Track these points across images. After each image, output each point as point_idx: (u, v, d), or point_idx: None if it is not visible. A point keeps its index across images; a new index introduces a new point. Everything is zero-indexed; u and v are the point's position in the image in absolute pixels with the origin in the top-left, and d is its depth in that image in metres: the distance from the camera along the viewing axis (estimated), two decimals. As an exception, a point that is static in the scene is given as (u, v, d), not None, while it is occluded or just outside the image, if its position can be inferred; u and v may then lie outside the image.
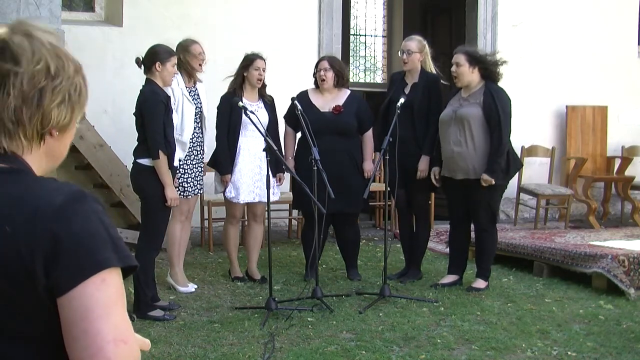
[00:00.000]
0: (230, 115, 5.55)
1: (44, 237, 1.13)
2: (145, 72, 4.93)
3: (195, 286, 5.55)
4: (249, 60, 5.65)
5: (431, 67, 5.87)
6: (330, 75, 5.79)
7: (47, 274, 1.12)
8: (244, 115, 5.11)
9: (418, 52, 5.78)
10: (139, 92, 4.92)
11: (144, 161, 4.82)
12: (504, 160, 5.37)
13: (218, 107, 5.68)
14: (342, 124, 5.76)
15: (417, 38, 5.90)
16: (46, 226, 1.13)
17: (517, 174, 7.90)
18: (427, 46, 5.87)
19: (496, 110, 5.34)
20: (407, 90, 5.79)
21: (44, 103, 1.22)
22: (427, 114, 5.72)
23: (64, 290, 1.12)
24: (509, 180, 5.65)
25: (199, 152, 5.50)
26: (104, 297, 1.12)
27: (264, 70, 5.65)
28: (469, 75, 5.46)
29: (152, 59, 4.88)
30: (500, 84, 5.61)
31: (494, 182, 5.34)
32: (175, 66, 5.00)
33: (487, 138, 5.39)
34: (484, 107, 5.38)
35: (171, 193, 4.80)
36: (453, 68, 5.49)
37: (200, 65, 5.48)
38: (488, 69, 5.49)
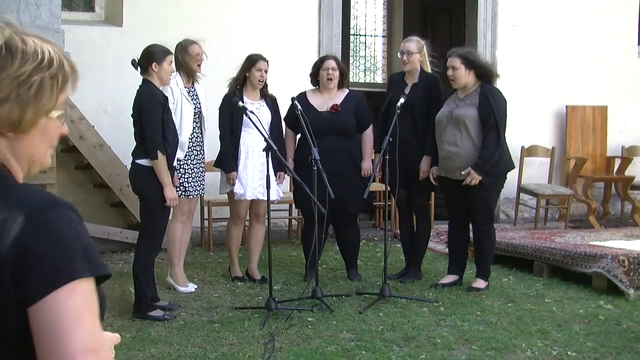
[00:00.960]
0: (232, 115, 5.55)
1: (13, 246, 1.11)
2: (142, 73, 4.92)
3: (195, 286, 5.55)
4: (252, 61, 5.66)
5: (428, 67, 5.87)
6: (337, 74, 5.81)
7: (16, 283, 1.11)
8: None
9: (417, 52, 5.78)
10: (136, 93, 4.91)
11: (143, 161, 4.82)
12: (494, 160, 5.37)
13: (220, 107, 5.68)
14: (340, 123, 5.76)
15: (415, 39, 5.91)
16: (15, 235, 1.12)
17: (518, 174, 7.95)
18: (425, 46, 5.87)
19: (492, 112, 5.35)
20: (407, 91, 5.80)
21: None
22: (428, 114, 5.72)
23: (33, 300, 1.10)
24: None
25: (199, 152, 5.50)
26: (73, 307, 1.11)
27: (265, 72, 5.66)
28: (466, 77, 5.47)
29: (148, 59, 4.88)
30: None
31: (478, 179, 5.32)
32: (172, 64, 4.99)
33: (481, 140, 5.40)
34: (480, 108, 5.39)
35: (170, 193, 4.80)
36: (449, 72, 5.50)
37: (198, 66, 5.48)
38: (483, 70, 5.49)
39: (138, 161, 4.86)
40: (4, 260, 1.11)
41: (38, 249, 1.12)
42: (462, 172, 5.38)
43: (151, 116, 4.75)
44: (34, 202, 1.17)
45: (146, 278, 4.85)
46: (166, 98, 4.94)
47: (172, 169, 4.93)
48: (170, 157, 4.84)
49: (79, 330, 1.11)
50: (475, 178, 5.34)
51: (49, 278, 1.11)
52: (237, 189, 5.63)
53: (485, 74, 5.50)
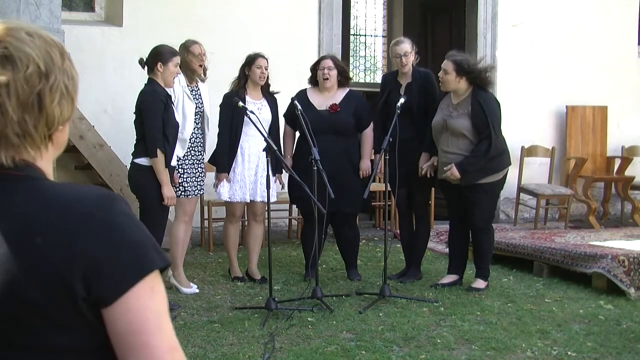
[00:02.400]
0: (232, 114, 5.55)
1: (80, 247, 1.08)
2: (148, 72, 4.95)
3: (197, 287, 5.54)
4: (251, 59, 5.67)
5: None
6: (334, 73, 5.80)
7: (86, 285, 1.08)
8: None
9: (412, 52, 5.79)
10: (139, 92, 4.92)
11: (141, 160, 4.83)
12: (478, 167, 5.36)
13: (220, 106, 5.69)
14: (338, 122, 5.75)
15: (405, 39, 5.91)
16: (81, 235, 1.08)
17: (518, 174, 7.95)
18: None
19: (485, 120, 5.35)
20: (402, 91, 5.79)
21: (45, 105, 1.14)
22: (426, 112, 5.72)
23: (110, 301, 1.08)
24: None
25: (199, 152, 5.50)
26: (156, 306, 1.10)
27: (266, 69, 5.66)
28: (454, 84, 5.47)
29: (154, 59, 4.90)
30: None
31: (457, 177, 5.33)
32: (178, 67, 5.00)
33: None
34: (473, 117, 5.39)
35: (168, 192, 4.80)
36: (440, 73, 5.51)
37: (200, 66, 5.48)
38: (477, 77, 5.48)
39: (136, 160, 4.87)
40: (70, 262, 1.07)
41: (108, 248, 1.09)
42: (444, 168, 5.39)
43: (152, 114, 4.77)
44: (90, 196, 1.13)
45: None
46: (169, 97, 4.95)
47: (171, 168, 4.93)
48: (169, 156, 4.84)
49: (163, 329, 1.11)
50: (455, 174, 5.34)
51: (124, 276, 1.09)
52: (223, 192, 5.63)
53: (479, 80, 5.49)
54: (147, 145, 4.77)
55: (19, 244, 1.09)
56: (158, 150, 4.74)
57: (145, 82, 5.00)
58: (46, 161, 1.19)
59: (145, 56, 5.02)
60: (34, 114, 1.13)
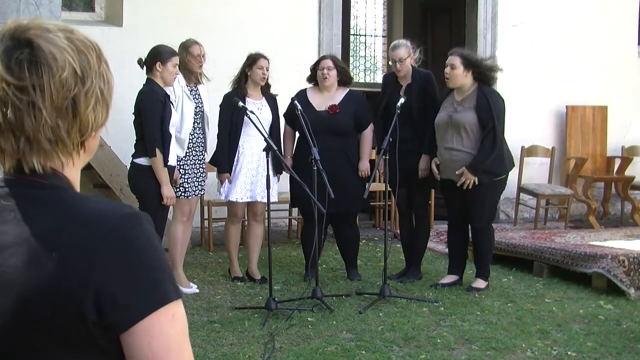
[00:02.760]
0: (232, 114, 5.55)
1: (96, 269, 1.04)
2: (147, 72, 4.95)
3: (197, 287, 5.54)
4: (253, 59, 5.67)
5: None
6: (333, 73, 5.79)
7: (98, 309, 1.04)
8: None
9: (408, 56, 5.78)
10: (138, 92, 4.93)
11: (141, 160, 4.84)
12: (488, 162, 5.36)
13: (220, 105, 5.68)
14: (337, 123, 5.75)
15: (402, 43, 5.87)
16: (98, 256, 1.04)
17: (518, 174, 7.95)
18: (411, 46, 5.86)
19: (490, 114, 5.34)
20: (402, 92, 5.79)
21: (80, 111, 1.10)
22: (425, 113, 5.71)
23: (123, 328, 1.05)
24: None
25: (200, 153, 5.50)
26: (177, 334, 1.07)
27: (267, 70, 5.66)
28: (462, 78, 5.45)
29: (153, 59, 4.91)
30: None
31: (473, 179, 5.31)
32: (177, 67, 5.00)
33: None
34: (478, 111, 5.38)
35: (167, 191, 4.80)
36: (447, 69, 5.49)
37: (200, 66, 5.48)
38: (482, 72, 5.48)
39: (136, 160, 4.87)
40: (84, 282, 1.03)
41: (123, 274, 1.04)
42: (457, 172, 5.37)
43: (150, 114, 4.78)
44: (112, 216, 1.07)
45: None
46: (167, 96, 4.95)
47: (171, 167, 4.93)
48: (167, 155, 4.84)
49: (183, 356, 1.08)
50: (469, 178, 5.33)
51: (137, 305, 1.05)
52: (224, 190, 5.63)
53: (484, 76, 5.49)
54: (146, 145, 4.78)
55: (35, 256, 1.05)
56: (157, 149, 4.74)
57: (144, 82, 5.00)
58: (75, 169, 1.15)
59: (144, 56, 5.02)
60: (67, 120, 1.09)
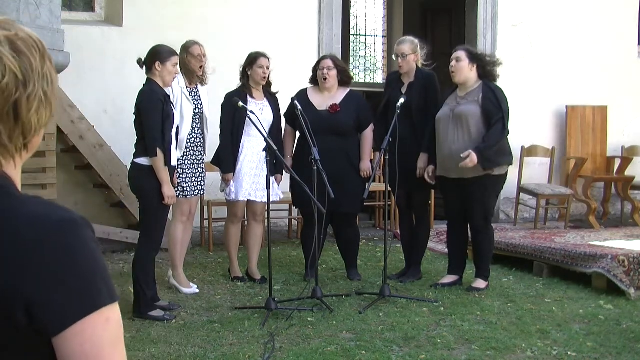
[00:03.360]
0: (234, 114, 5.54)
1: (27, 274, 1.02)
2: (147, 72, 4.95)
3: (197, 287, 5.54)
4: (253, 59, 5.67)
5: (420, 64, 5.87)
6: (333, 74, 5.79)
7: (28, 313, 1.03)
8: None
9: (412, 53, 5.78)
10: (138, 92, 4.93)
11: (141, 160, 4.84)
12: (496, 148, 5.35)
13: (222, 105, 5.69)
14: (338, 123, 5.75)
15: (408, 39, 5.90)
16: (30, 261, 1.02)
17: (518, 174, 7.95)
18: (419, 44, 5.87)
19: (498, 105, 5.34)
20: (403, 90, 5.79)
21: (22, 115, 1.07)
22: (425, 112, 5.72)
23: (54, 332, 1.04)
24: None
25: (199, 153, 5.49)
26: (110, 337, 1.07)
27: (267, 69, 5.66)
28: (468, 72, 5.47)
29: (152, 58, 4.90)
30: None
31: (475, 162, 5.27)
32: (177, 66, 5.00)
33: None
34: (484, 104, 5.38)
35: (168, 191, 4.80)
36: (452, 63, 5.50)
37: (201, 67, 5.48)
38: (486, 68, 5.50)
39: (137, 160, 4.87)
40: (14, 286, 1.02)
41: (54, 280, 1.03)
42: (462, 155, 5.29)
43: (150, 114, 4.78)
44: (47, 221, 1.05)
45: (146, 278, 4.85)
46: (167, 96, 4.95)
47: (172, 168, 4.93)
48: (168, 155, 4.84)
49: (117, 357, 1.08)
50: (473, 160, 5.26)
51: (69, 309, 1.04)
52: (229, 190, 5.64)
53: (488, 72, 5.51)
54: (146, 145, 4.78)
55: None
56: (158, 149, 4.74)
57: (144, 82, 5.00)
58: (18, 170, 1.13)
59: (144, 56, 5.02)
60: (9, 125, 1.06)
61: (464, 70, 5.46)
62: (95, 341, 1.05)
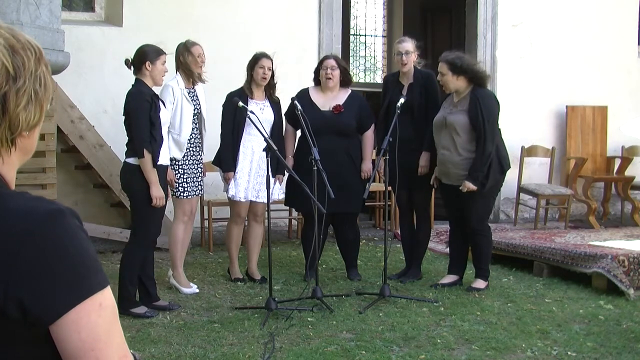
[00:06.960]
0: (235, 114, 5.55)
1: (17, 268, 1.04)
2: (135, 72, 4.94)
3: (197, 287, 5.53)
4: (254, 59, 5.68)
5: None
6: (336, 73, 5.80)
7: (21, 307, 1.05)
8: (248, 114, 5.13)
9: (414, 51, 5.80)
10: (126, 93, 4.92)
11: (132, 160, 4.84)
12: (486, 168, 5.36)
13: (223, 105, 5.69)
14: (341, 123, 5.76)
15: (409, 39, 5.93)
16: (19, 254, 1.04)
17: (518, 174, 7.95)
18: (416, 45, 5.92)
19: (482, 118, 5.33)
20: (404, 92, 5.79)
21: (10, 109, 1.11)
22: (427, 112, 5.72)
23: (49, 321, 1.06)
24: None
25: (197, 153, 5.49)
26: (105, 322, 1.09)
27: (269, 69, 5.66)
28: (454, 83, 5.47)
29: (141, 59, 4.90)
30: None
31: (475, 189, 5.33)
32: (165, 64, 4.99)
33: (474, 146, 5.39)
34: (470, 114, 5.39)
35: (156, 192, 4.79)
36: (439, 77, 5.52)
37: (200, 67, 5.48)
38: (473, 74, 5.48)
39: (127, 160, 4.89)
40: (3, 285, 1.04)
41: (44, 270, 1.05)
42: (460, 188, 5.38)
43: (138, 115, 4.77)
44: (35, 213, 1.08)
45: (131, 275, 4.86)
46: (156, 96, 4.93)
47: (162, 168, 4.92)
48: (156, 156, 4.82)
49: (112, 342, 1.10)
50: (470, 188, 5.34)
51: (61, 298, 1.06)
52: (231, 189, 5.64)
53: (476, 78, 5.49)
54: (134, 146, 4.78)
55: None
56: (145, 150, 4.74)
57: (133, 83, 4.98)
58: (8, 166, 1.15)
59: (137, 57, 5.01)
60: None
61: (450, 83, 5.48)
62: (91, 327, 1.08)
